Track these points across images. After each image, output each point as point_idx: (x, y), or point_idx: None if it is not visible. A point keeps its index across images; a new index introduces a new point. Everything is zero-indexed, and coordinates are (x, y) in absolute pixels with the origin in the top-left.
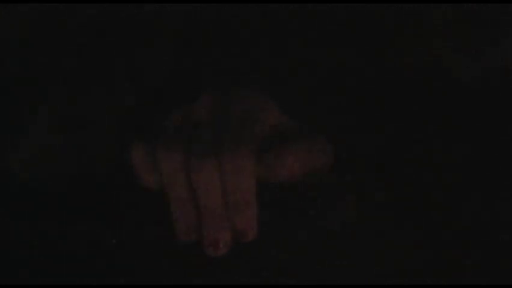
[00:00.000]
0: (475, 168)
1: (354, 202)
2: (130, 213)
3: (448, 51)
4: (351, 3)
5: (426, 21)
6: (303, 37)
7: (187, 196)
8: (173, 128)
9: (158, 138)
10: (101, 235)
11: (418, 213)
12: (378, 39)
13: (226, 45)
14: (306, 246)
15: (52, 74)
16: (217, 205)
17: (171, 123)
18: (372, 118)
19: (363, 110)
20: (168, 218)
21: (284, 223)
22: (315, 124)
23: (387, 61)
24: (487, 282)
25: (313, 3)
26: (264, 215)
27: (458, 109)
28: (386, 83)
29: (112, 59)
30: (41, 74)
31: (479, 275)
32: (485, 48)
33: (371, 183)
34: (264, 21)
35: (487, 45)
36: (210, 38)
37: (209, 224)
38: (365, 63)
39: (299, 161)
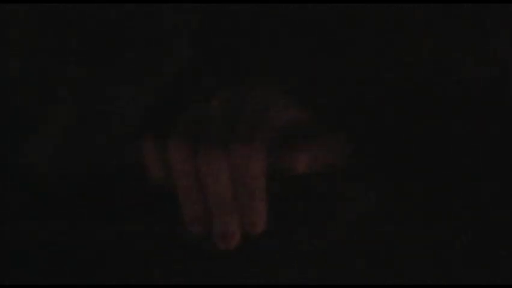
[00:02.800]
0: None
1: (364, 202)
2: (138, 210)
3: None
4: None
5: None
6: (321, 32)
7: (195, 186)
8: (184, 123)
9: (169, 133)
10: (108, 232)
11: (427, 213)
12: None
13: (241, 41)
14: (312, 243)
15: (62, 75)
16: (226, 195)
17: (182, 120)
18: (390, 117)
19: (381, 108)
20: (175, 216)
21: (291, 217)
22: (335, 121)
23: (402, 59)
24: (487, 282)
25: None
26: (272, 208)
27: (467, 109)
28: (402, 82)
29: (126, 57)
30: (52, 75)
31: (479, 275)
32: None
33: (384, 182)
34: (278, 17)
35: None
36: (224, 36)
37: (218, 215)
38: (383, 61)
39: (312, 157)
